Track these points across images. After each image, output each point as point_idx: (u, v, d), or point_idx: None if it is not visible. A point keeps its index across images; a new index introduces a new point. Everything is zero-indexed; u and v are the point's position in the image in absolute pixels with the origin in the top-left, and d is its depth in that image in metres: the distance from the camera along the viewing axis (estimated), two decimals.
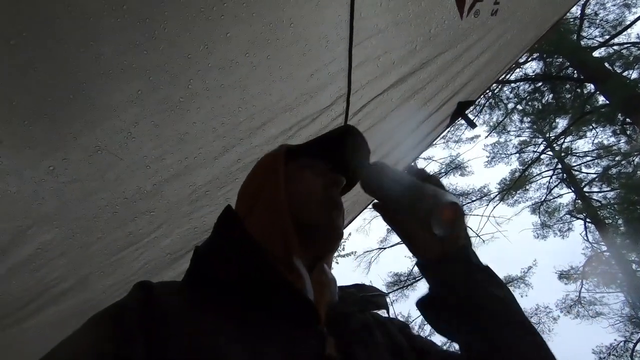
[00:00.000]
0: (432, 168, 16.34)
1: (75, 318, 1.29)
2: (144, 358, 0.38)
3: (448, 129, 1.57)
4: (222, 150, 1.17)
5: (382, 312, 0.63)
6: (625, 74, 9.21)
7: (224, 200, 1.32)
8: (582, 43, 9.71)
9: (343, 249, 12.08)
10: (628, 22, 9.56)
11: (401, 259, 15.38)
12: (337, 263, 12.52)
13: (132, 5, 0.79)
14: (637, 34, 9.64)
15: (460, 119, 1.55)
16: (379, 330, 0.58)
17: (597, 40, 9.94)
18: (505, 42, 1.41)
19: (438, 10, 1.21)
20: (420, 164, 15.84)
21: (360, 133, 0.71)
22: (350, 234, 12.07)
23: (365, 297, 0.59)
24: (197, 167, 1.17)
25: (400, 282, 15.14)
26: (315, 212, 0.58)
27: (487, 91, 11.16)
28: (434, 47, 1.28)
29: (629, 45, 9.61)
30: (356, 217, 1.91)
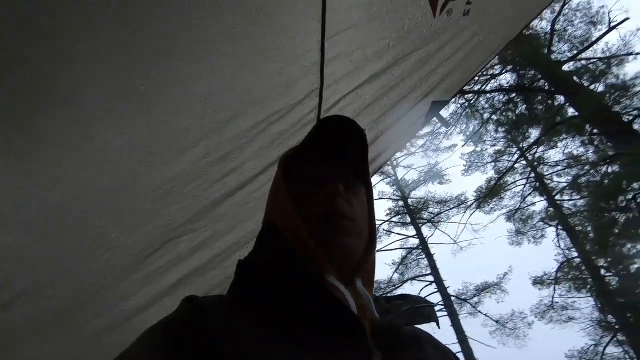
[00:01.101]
0: (411, 176, 16.60)
1: (30, 325, 1.19)
2: None
3: (423, 140, 1.56)
4: (188, 144, 1.12)
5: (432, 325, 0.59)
6: (592, 87, 9.68)
7: (191, 197, 1.26)
8: (553, 57, 10.16)
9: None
10: (594, 39, 10.09)
11: (381, 266, 15.42)
12: None
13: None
14: (603, 50, 10.15)
15: (434, 118, 1.56)
16: (429, 344, 0.57)
17: (566, 55, 10.43)
18: (478, 43, 1.42)
19: (412, 7, 1.21)
20: (400, 172, 16.08)
21: (344, 117, 0.64)
22: None
23: (413, 309, 0.56)
24: (162, 161, 1.11)
25: (380, 290, 15.17)
26: (318, 231, 0.55)
27: (464, 101, 11.48)
28: (408, 44, 1.27)
29: (595, 60, 10.13)
30: None
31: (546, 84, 10.25)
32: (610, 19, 10.01)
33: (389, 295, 0.65)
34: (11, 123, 0.84)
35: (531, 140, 11.99)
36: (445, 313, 12.74)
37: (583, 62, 10.35)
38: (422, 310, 0.57)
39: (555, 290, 12.09)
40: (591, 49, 10.17)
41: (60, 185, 1.00)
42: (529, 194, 13.01)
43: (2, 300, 1.10)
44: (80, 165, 1.00)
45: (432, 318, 0.57)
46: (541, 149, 12.18)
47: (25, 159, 0.90)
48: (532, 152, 12.36)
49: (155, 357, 0.42)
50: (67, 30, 0.78)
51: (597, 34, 10.17)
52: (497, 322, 13.18)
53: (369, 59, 1.23)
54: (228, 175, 1.26)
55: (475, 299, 13.68)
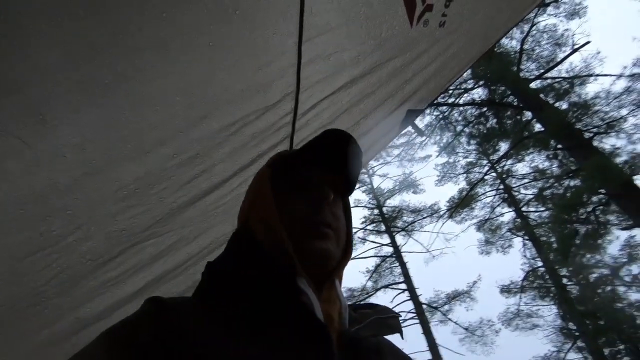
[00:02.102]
0: (387, 185, 16.85)
1: None
2: None
3: (398, 149, 1.58)
4: (155, 143, 1.06)
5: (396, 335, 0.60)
6: (557, 104, 10.21)
7: (156, 200, 1.19)
8: (522, 74, 10.66)
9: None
10: (559, 59, 10.69)
11: (355, 274, 15.47)
12: None
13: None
14: (567, 70, 10.77)
15: (409, 126, 1.57)
16: (392, 355, 0.58)
17: (533, 73, 10.98)
18: (452, 54, 1.45)
19: (389, 15, 1.22)
20: (376, 180, 16.28)
21: (349, 135, 0.64)
22: None
23: (380, 319, 0.57)
24: (125, 160, 1.05)
25: (354, 298, 15.20)
26: (299, 234, 0.55)
27: (439, 113, 11.81)
28: (384, 52, 1.28)
29: (560, 79, 10.71)
30: None
31: (515, 100, 10.72)
32: (573, 41, 10.66)
33: (356, 303, 0.65)
34: None
35: (501, 153, 12.47)
36: (417, 321, 12.91)
37: (549, 80, 10.93)
38: (388, 321, 0.58)
39: (521, 298, 12.52)
40: (556, 68, 10.77)
41: (6, 182, 0.92)
42: (498, 205, 13.50)
43: None
44: (32, 161, 0.92)
45: (397, 329, 0.58)
46: (510, 161, 12.69)
47: None
48: (501, 165, 12.85)
49: None
50: (21, 12, 0.72)
51: (561, 55, 10.79)
52: (466, 329, 13.47)
53: (346, 64, 1.22)
54: (197, 177, 1.21)
55: (446, 307, 13.95)
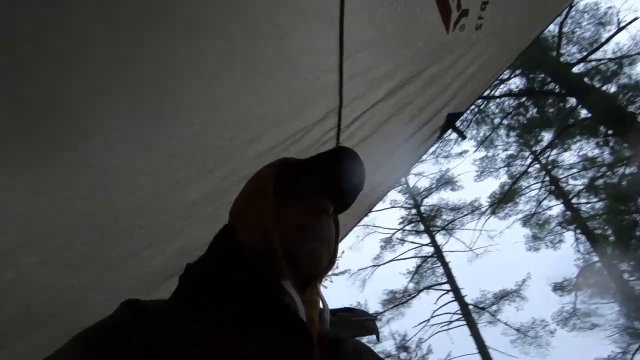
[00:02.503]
0: (423, 183, 16.50)
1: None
2: None
3: (438, 142, 1.59)
4: (214, 166, 1.16)
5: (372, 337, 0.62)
6: (604, 88, 9.55)
7: (216, 217, 1.29)
8: (562, 59, 10.09)
9: (337, 267, 11.98)
10: (603, 39, 10.00)
11: (395, 275, 15.24)
12: (331, 282, 12.37)
13: (122, 23, 0.80)
14: (613, 50, 10.05)
15: (450, 130, 1.58)
16: (367, 356, 0.60)
17: (575, 57, 10.34)
18: (490, 55, 1.45)
19: (425, 25, 1.25)
20: (411, 180, 15.99)
21: (357, 156, 0.69)
22: (343, 252, 11.97)
23: (358, 321, 0.59)
24: (189, 182, 1.16)
25: (396, 300, 14.97)
26: (295, 242, 0.57)
27: (474, 107, 11.43)
28: (421, 60, 1.31)
29: (606, 60, 10.01)
30: (348, 233, 1.90)
31: (556, 87, 10.16)
32: (619, 19, 9.94)
33: (335, 308, 0.66)
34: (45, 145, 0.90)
35: (544, 144, 11.84)
36: (464, 322, 12.48)
37: (593, 63, 10.25)
38: (366, 323, 0.60)
39: (576, 296, 11.75)
40: (601, 49, 10.08)
41: (89, 209, 1.05)
42: (544, 198, 12.79)
43: (43, 316, 1.14)
44: (112, 187, 1.05)
45: (374, 330, 0.59)
46: (554, 151, 12.02)
47: (68, 183, 0.96)
48: (545, 156, 12.19)
49: None
50: (99, 66, 0.83)
51: (606, 35, 10.09)
52: (517, 330, 12.84)
53: (385, 77, 1.27)
54: None
55: (494, 307, 13.38)
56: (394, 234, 15.40)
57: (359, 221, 1.92)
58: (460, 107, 1.55)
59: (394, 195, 15.92)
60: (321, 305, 0.58)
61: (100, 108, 0.88)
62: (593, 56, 10.18)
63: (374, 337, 0.61)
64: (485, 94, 10.69)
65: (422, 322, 13.22)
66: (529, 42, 1.51)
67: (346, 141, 1.34)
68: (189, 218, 1.26)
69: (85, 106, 0.86)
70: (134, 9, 0.76)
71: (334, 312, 0.62)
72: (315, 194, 0.64)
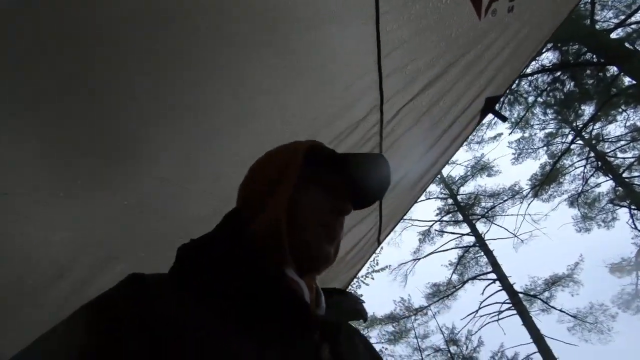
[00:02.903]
0: (457, 172, 16.07)
1: None
2: (143, 355, 0.37)
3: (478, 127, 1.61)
4: None
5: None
6: None
7: None
8: (597, 27, 9.50)
9: (377, 263, 11.92)
10: None
11: (437, 268, 14.94)
12: (373, 279, 12.32)
13: (188, 48, 0.91)
14: None
15: (490, 114, 1.59)
16: (357, 337, 0.62)
17: (612, 22, 9.70)
18: (525, 36, 1.45)
19: (457, 15, 1.28)
20: (444, 169, 15.61)
21: (388, 166, 0.69)
22: (382, 248, 11.90)
23: (352, 306, 0.60)
24: None
25: (440, 293, 14.67)
26: (308, 238, 0.56)
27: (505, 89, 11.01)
28: (457, 49, 1.34)
29: None
30: (392, 229, 1.94)
31: (593, 56, 9.58)
32: None
33: (326, 288, 0.66)
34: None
35: (585, 118, 11.20)
36: (514, 311, 12.03)
37: (633, 26, 9.57)
38: (358, 307, 0.60)
39: (638, 276, 10.99)
40: None
41: (166, 220, 1.17)
42: (591, 175, 12.08)
43: None
44: (186, 199, 1.17)
45: (364, 314, 0.60)
46: (598, 125, 11.33)
47: (148, 199, 1.08)
48: (588, 130, 11.51)
49: (90, 341, 0.37)
50: (169, 91, 0.94)
51: None
52: (574, 317, 12.20)
53: (422, 70, 1.31)
54: None
55: (546, 294, 12.80)
56: (431, 225, 15.12)
57: (404, 215, 1.96)
58: (499, 90, 1.56)
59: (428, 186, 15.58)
60: (317, 291, 0.59)
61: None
62: (632, 19, 9.51)
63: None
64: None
65: (470, 314, 12.87)
66: (564, 17, 1.50)
67: (389, 135, 1.40)
68: None
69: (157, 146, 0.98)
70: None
71: (329, 294, 0.63)
72: (339, 191, 0.63)
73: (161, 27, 0.83)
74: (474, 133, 14.10)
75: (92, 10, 0.74)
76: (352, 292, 0.68)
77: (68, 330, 0.41)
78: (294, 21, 1.02)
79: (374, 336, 15.21)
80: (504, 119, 1.66)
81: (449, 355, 14.18)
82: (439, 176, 15.50)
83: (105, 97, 0.87)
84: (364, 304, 0.63)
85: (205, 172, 1.16)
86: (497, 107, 1.55)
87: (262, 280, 0.48)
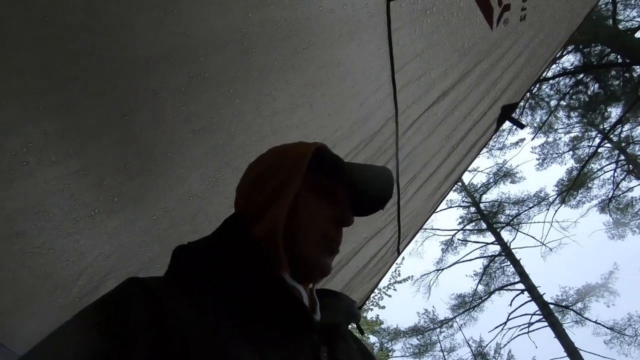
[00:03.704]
0: (479, 179, 15.72)
1: None
2: (151, 356, 0.36)
3: (495, 135, 1.60)
4: None
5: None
6: None
7: None
8: (621, 26, 9.24)
9: (399, 274, 11.73)
10: None
11: (462, 278, 14.54)
12: (395, 290, 12.11)
13: (211, 72, 0.97)
14: None
15: (507, 122, 1.59)
16: (352, 339, 0.63)
17: (636, 21, 9.42)
18: (539, 42, 1.46)
19: (468, 26, 1.30)
20: (466, 177, 15.33)
21: (392, 179, 0.70)
22: (403, 259, 11.71)
23: (348, 308, 0.60)
24: None
25: (466, 304, 14.24)
26: (307, 248, 0.56)
27: (527, 93, 10.80)
28: (470, 59, 1.36)
29: None
30: (410, 241, 1.93)
31: (618, 57, 9.29)
32: None
33: (321, 289, 0.66)
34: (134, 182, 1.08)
35: (612, 120, 10.80)
36: (545, 323, 11.51)
37: None
38: (353, 309, 0.60)
39: None
40: None
41: (194, 234, 1.23)
42: (622, 179, 11.58)
43: None
44: (211, 213, 1.22)
45: (358, 317, 0.60)
46: (627, 127, 10.90)
47: (176, 213, 1.14)
48: (616, 133, 11.09)
49: (97, 344, 0.36)
50: (196, 112, 1.01)
51: None
52: (610, 329, 11.56)
53: (436, 81, 1.33)
54: None
55: (579, 305, 12.21)
56: (454, 235, 14.79)
57: (423, 224, 1.95)
58: (515, 98, 1.56)
59: (450, 195, 15.33)
60: (312, 295, 0.59)
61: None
62: None
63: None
64: (540, 76, 10.06)
65: (498, 326, 12.41)
66: (581, 20, 1.50)
67: (405, 145, 1.42)
68: None
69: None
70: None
71: (325, 295, 0.63)
72: (342, 202, 0.62)
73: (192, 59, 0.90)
74: (495, 139, 13.84)
75: (126, 48, 0.81)
76: (344, 293, 0.67)
77: (73, 333, 0.40)
78: (311, 44, 1.07)
79: (398, 349, 14.86)
80: (521, 126, 1.65)
81: None
82: (460, 184, 15.22)
83: (136, 122, 0.94)
84: (356, 306, 0.63)
85: (231, 187, 1.22)
86: (514, 114, 1.55)
87: (262, 283, 0.47)
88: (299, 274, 0.55)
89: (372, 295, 11.61)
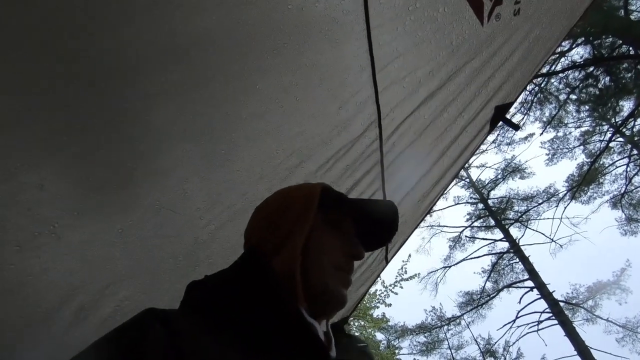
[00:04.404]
0: (487, 175, 15.47)
1: None
2: None
3: (493, 135, 1.51)
4: (265, 193, 1.23)
5: None
6: None
7: None
8: (633, 17, 8.94)
9: (405, 272, 11.62)
10: None
11: (470, 275, 14.36)
12: (402, 287, 12.00)
13: (174, 79, 0.90)
14: None
15: (501, 123, 1.49)
16: None
17: None
18: (535, 38, 1.36)
19: (456, 22, 1.21)
20: (474, 173, 15.12)
21: (397, 213, 0.71)
22: (410, 256, 11.61)
23: (360, 347, 0.63)
24: (245, 211, 1.24)
25: (474, 302, 14.08)
26: (323, 281, 0.57)
27: (534, 86, 10.55)
28: (459, 58, 1.27)
29: None
30: (398, 250, 1.85)
31: (630, 49, 9.00)
32: None
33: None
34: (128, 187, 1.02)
35: (625, 114, 10.50)
36: (555, 321, 11.32)
37: None
38: (366, 350, 0.63)
39: None
40: None
41: (165, 246, 1.17)
42: (635, 174, 11.27)
43: None
44: (182, 225, 1.16)
45: (371, 358, 0.64)
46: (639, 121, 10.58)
47: (144, 226, 1.08)
48: (628, 126, 10.78)
49: None
50: (162, 122, 0.94)
51: None
52: (623, 327, 11.31)
53: (422, 81, 1.25)
54: None
55: (590, 302, 11.97)
56: (462, 232, 14.61)
57: (412, 232, 1.86)
58: (509, 98, 1.47)
59: (457, 191, 15.16)
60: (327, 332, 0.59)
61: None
62: None
63: None
64: (544, 70, 9.83)
65: (507, 324, 12.24)
66: (578, 16, 1.39)
67: (390, 150, 1.34)
68: None
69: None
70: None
71: (338, 334, 0.63)
72: (351, 236, 0.65)
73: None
74: (503, 135, 13.59)
75: (85, 58, 0.74)
76: (355, 335, 0.69)
77: None
78: (283, 46, 0.99)
79: (405, 347, 14.79)
80: (516, 127, 1.55)
81: None
82: (468, 180, 15.01)
83: (95, 133, 0.88)
84: (368, 348, 0.65)
85: (200, 198, 1.15)
86: (524, 112, 1.45)
87: (282, 319, 0.48)
88: (315, 308, 0.56)
89: (379, 292, 11.53)
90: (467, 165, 14.77)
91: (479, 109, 1.42)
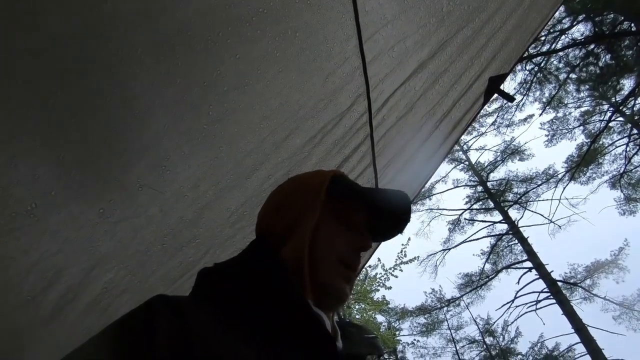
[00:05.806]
0: (486, 157, 15.44)
1: None
2: None
3: (492, 117, 1.46)
4: (251, 169, 1.19)
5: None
6: None
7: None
8: None
9: (405, 255, 11.69)
10: None
11: (469, 258, 14.48)
12: (401, 270, 12.10)
13: (145, 48, 0.85)
14: None
15: (495, 95, 1.44)
16: None
17: None
18: (530, 3, 1.30)
19: None
20: (473, 155, 15.06)
21: (410, 204, 0.70)
22: (409, 239, 11.65)
23: (369, 339, 0.62)
24: (231, 189, 1.20)
25: (473, 283, 14.23)
26: (326, 273, 0.57)
27: (533, 66, 10.39)
28: (450, 25, 1.21)
29: None
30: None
31: (631, 25, 8.82)
32: None
33: (341, 322, 0.66)
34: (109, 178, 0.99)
35: (625, 92, 10.37)
36: (553, 301, 11.46)
37: None
38: (375, 341, 0.62)
39: None
40: None
41: (149, 226, 1.14)
42: (635, 154, 11.22)
43: None
44: (165, 204, 1.13)
45: (380, 350, 0.62)
46: None
47: (125, 206, 1.05)
48: (629, 105, 10.67)
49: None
50: (134, 94, 0.89)
51: None
52: (619, 304, 11.47)
53: (411, 51, 1.20)
54: None
55: (588, 282, 12.10)
56: (461, 214, 14.65)
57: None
58: (504, 68, 1.41)
59: (456, 174, 15.15)
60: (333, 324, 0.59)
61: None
62: None
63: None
64: (545, 49, 9.66)
65: (505, 304, 12.40)
66: None
67: (381, 124, 1.30)
68: (237, 223, 1.31)
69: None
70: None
71: (344, 327, 0.63)
72: (360, 227, 0.63)
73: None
74: (502, 116, 13.48)
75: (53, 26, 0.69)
76: (364, 325, 0.70)
77: (98, 349, 0.40)
78: (261, 12, 0.94)
79: (406, 328, 15.03)
80: (511, 99, 1.50)
81: (484, 346, 13.77)
82: (467, 162, 14.96)
83: (65, 108, 0.83)
84: (377, 339, 0.65)
85: (183, 176, 1.12)
86: (502, 86, 1.40)
87: (289, 308, 0.49)
88: (320, 300, 0.55)
89: (379, 276, 11.63)
90: (466, 147, 14.70)
91: (472, 80, 1.37)
